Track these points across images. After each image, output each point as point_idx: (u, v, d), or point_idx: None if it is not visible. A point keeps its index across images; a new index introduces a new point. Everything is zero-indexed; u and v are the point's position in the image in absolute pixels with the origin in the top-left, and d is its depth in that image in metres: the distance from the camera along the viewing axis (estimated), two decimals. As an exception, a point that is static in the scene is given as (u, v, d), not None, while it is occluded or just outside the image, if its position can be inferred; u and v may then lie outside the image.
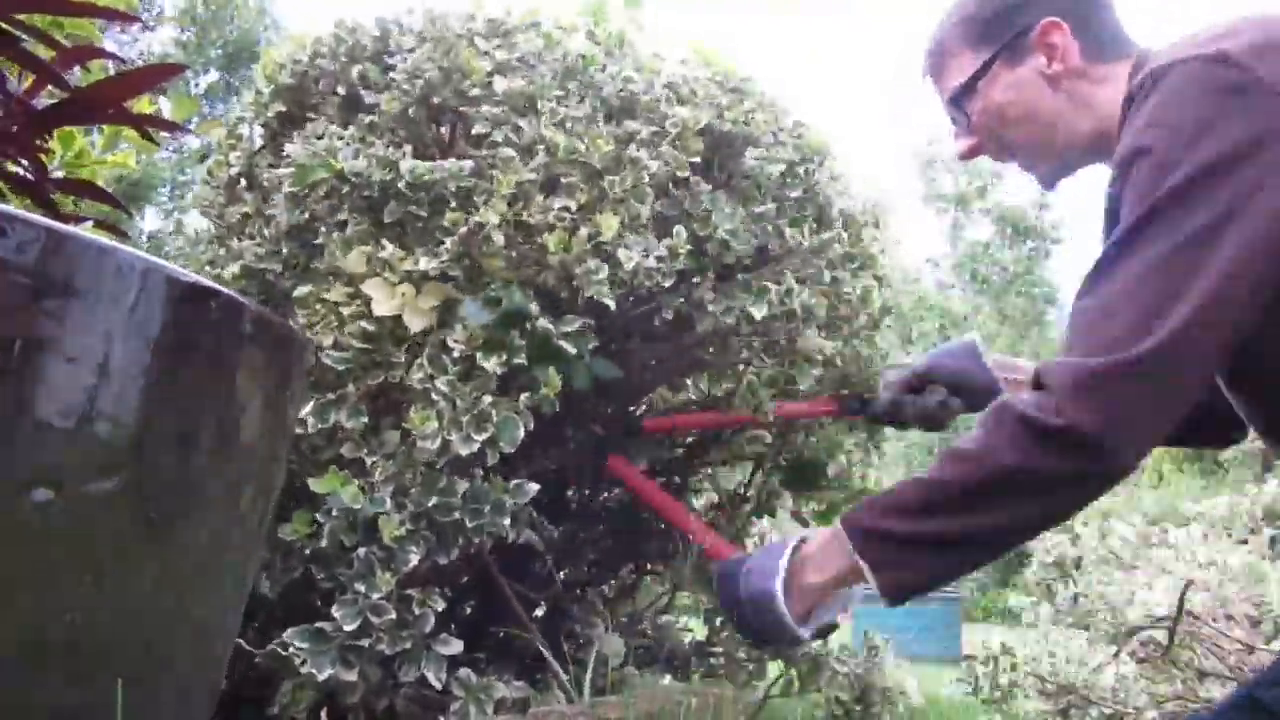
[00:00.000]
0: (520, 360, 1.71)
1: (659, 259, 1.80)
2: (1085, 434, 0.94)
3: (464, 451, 1.65)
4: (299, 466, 1.72)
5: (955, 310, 24.66)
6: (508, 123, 1.82)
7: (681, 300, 1.93)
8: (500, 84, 1.85)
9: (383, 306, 1.71)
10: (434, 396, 1.68)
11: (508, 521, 1.69)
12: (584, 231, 1.74)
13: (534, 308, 1.74)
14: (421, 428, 1.66)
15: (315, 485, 1.63)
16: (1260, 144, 0.95)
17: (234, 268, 1.92)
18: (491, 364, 1.69)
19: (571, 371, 1.76)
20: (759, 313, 1.86)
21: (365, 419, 1.72)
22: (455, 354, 1.71)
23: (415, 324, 1.71)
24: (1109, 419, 0.94)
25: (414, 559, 1.60)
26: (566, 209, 1.76)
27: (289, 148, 1.88)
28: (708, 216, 1.87)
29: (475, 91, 1.86)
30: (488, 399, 1.68)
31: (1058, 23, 1.17)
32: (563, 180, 1.80)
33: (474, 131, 1.85)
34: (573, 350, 1.75)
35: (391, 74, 1.91)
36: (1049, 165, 1.26)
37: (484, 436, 1.66)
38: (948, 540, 1.03)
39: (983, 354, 1.62)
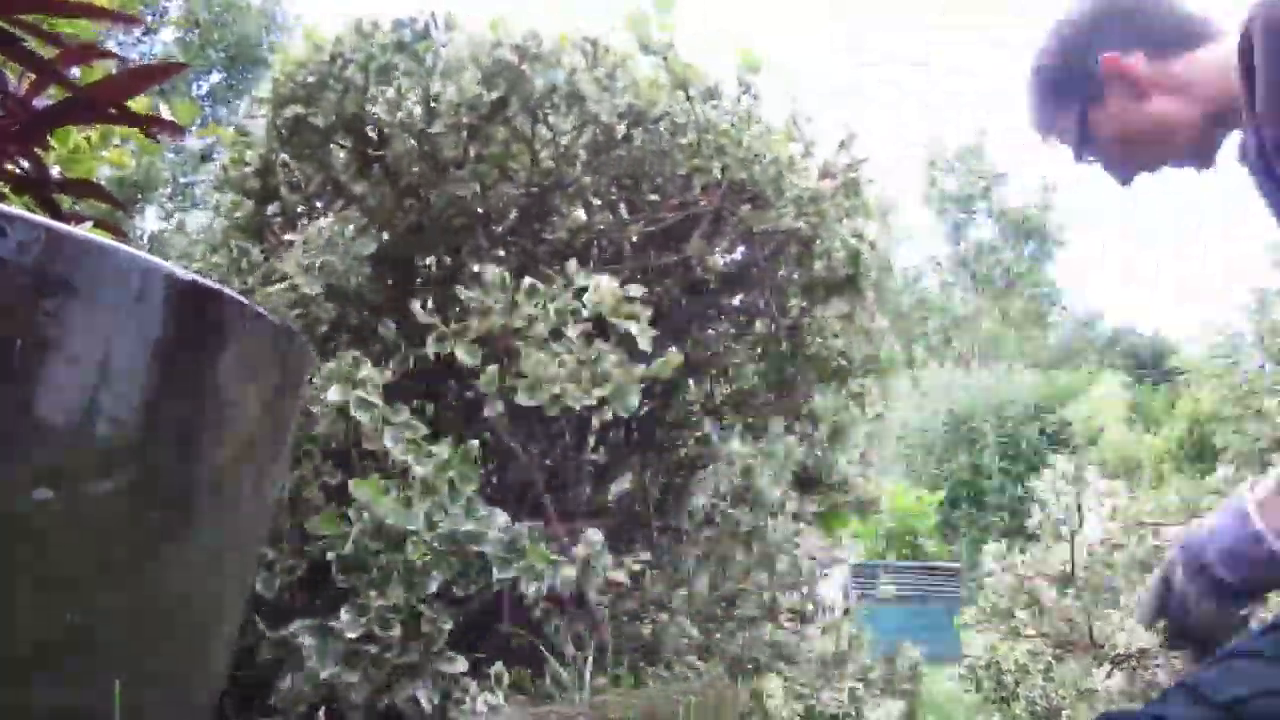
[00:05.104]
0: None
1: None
2: None
3: (577, 405, 1.58)
4: (346, 459, 1.70)
5: (957, 310, 24.66)
6: None
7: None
8: None
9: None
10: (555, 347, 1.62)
11: (536, 586, 1.65)
12: None
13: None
14: (535, 371, 1.58)
15: (354, 488, 1.57)
16: None
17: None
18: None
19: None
20: None
21: (426, 427, 1.66)
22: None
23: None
24: None
25: (433, 585, 1.57)
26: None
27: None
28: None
29: None
30: (613, 358, 1.62)
31: (1112, 57, 1.27)
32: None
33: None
34: None
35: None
36: (1194, 150, 1.31)
37: (602, 393, 1.59)
38: None
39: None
